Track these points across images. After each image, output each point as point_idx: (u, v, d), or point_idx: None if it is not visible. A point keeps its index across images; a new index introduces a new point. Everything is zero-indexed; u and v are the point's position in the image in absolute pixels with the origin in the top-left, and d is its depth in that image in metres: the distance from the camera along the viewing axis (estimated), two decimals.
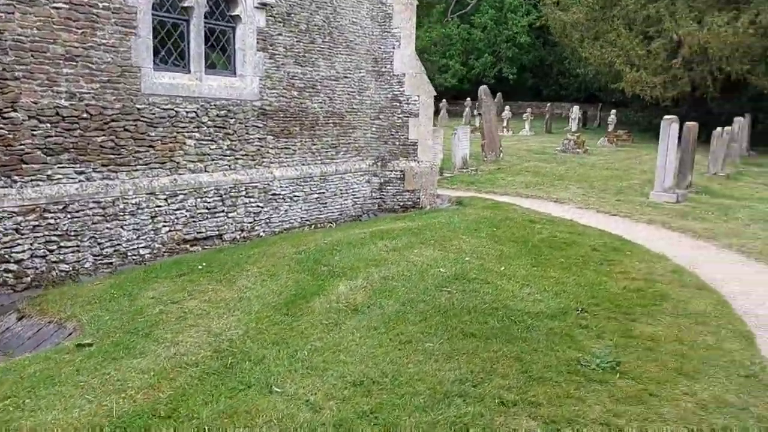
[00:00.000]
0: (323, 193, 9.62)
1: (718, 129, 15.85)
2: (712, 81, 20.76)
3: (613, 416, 3.33)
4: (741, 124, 19.46)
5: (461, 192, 12.47)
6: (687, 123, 12.68)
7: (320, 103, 9.48)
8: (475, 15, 38.27)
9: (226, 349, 3.90)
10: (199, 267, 5.93)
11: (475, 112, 16.53)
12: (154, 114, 7.30)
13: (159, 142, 7.42)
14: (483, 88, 16.75)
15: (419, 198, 10.67)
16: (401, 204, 10.64)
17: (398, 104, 10.50)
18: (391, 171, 10.58)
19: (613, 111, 23.97)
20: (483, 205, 10.44)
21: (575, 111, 20.01)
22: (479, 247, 7.02)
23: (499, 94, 37.14)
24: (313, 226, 9.43)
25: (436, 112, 34.37)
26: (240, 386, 3.42)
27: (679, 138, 12.16)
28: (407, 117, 10.53)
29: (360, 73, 10.13)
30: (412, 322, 4.50)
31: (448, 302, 5.01)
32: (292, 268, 5.76)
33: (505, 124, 27.43)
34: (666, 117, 11.12)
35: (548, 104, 30.91)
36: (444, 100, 34.26)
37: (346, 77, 9.88)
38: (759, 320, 5.37)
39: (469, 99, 36.65)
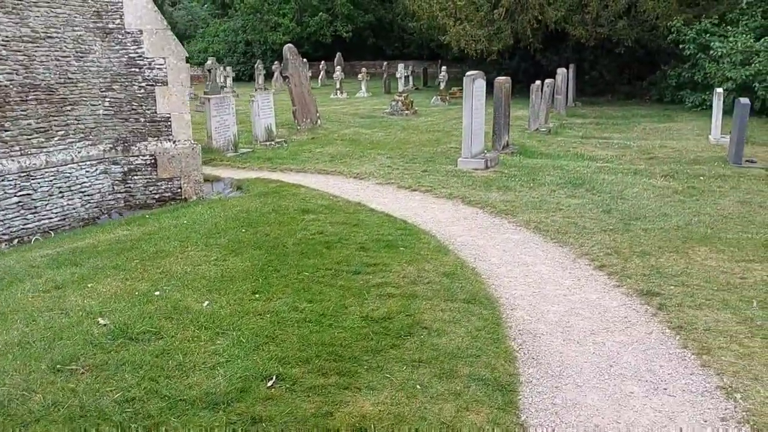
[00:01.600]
0: (29, 194, 7.14)
1: (537, 82, 15.14)
2: (532, 31, 20.30)
3: None
4: (563, 75, 19.18)
5: (253, 171, 10.46)
6: (497, 78, 11.58)
7: (9, 73, 6.90)
8: None
9: None
10: None
11: (283, 74, 14.42)
12: None
13: None
14: (288, 47, 14.64)
15: (180, 187, 8.51)
16: (156, 197, 8.41)
17: (138, 70, 8.14)
18: (138, 156, 8.28)
19: (444, 68, 23.04)
20: (261, 190, 8.52)
21: (401, 69, 18.50)
22: (199, 266, 5.11)
23: (338, 54, 35.39)
24: (15, 240, 6.96)
25: (269, 75, 31.92)
26: None
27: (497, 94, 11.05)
28: (152, 86, 8.21)
29: (75, 30, 7.61)
30: None
31: (47, 401, 3.04)
32: None
33: (338, 86, 25.67)
34: (468, 73, 9.80)
35: (385, 63, 29.53)
36: (277, 62, 31.71)
37: (51, 37, 7.34)
38: (535, 345, 4.01)
39: (322, 63, 34.54)
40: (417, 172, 9.82)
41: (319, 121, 15.53)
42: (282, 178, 9.55)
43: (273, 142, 13.00)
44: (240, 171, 10.55)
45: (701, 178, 9.26)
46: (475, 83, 9.79)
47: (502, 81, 11.55)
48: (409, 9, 25.47)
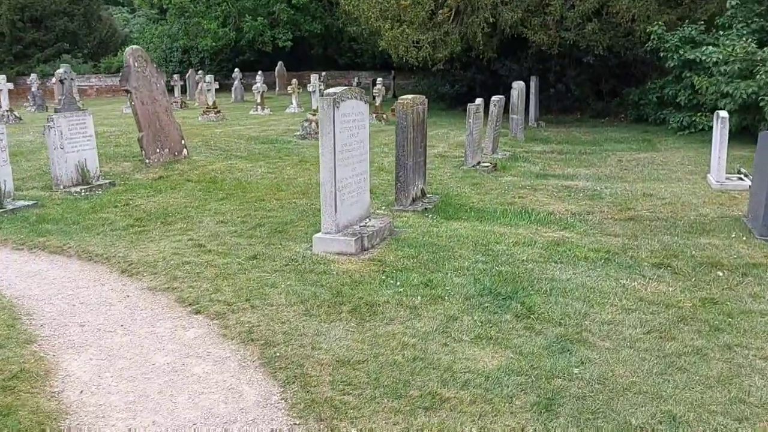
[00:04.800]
0: None
1: (478, 101, 11.25)
2: (485, 37, 16.49)
3: None
4: (520, 90, 15.33)
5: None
6: (402, 97, 7.61)
7: None
8: None
9: None
10: None
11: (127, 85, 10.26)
12: None
13: None
14: (132, 49, 10.53)
15: None
16: None
17: None
18: None
19: (380, 79, 19.18)
20: None
21: (314, 82, 14.51)
22: None
23: (279, 63, 31.60)
24: None
25: (196, 85, 27.72)
26: None
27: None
28: None
29: None
30: None
31: None
32: None
33: (258, 100, 21.65)
34: (328, 91, 5.73)
35: (323, 74, 25.60)
36: (199, 71, 27.57)
37: None
38: None
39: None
40: (239, 259, 5.73)
41: (185, 151, 11.42)
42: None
43: (87, 187, 8.87)
44: None
45: (719, 274, 5.37)
46: (340, 108, 5.77)
47: (409, 102, 7.57)
48: (346, 11, 21.61)
